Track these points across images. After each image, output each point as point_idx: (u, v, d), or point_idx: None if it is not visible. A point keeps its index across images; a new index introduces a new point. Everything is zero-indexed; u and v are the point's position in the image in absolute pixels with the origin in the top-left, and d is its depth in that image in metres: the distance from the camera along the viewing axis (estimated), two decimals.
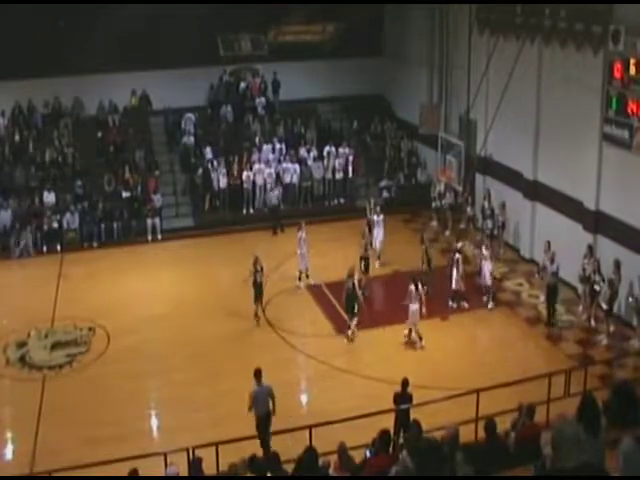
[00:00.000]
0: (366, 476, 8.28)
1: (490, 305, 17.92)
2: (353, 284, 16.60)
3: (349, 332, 16.59)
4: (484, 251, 18.09)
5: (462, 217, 22.88)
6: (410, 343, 16.19)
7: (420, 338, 16.09)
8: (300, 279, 19.24)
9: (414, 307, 16.01)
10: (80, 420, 13.66)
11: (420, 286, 16.26)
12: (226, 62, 27.29)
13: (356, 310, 16.53)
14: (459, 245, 18.74)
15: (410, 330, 16.21)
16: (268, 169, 24.36)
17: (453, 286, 17.90)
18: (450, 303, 17.91)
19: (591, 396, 5.09)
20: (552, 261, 17.30)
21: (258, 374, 12.46)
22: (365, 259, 18.88)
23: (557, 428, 4.96)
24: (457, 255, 18.05)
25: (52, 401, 14.42)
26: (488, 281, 17.86)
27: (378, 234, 20.38)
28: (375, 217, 20.57)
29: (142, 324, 17.48)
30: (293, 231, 20.14)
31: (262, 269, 17.42)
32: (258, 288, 17.33)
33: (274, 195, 23.59)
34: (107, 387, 14.88)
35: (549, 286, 17.10)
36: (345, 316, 16.79)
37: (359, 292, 16.78)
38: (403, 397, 12.27)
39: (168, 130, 26.42)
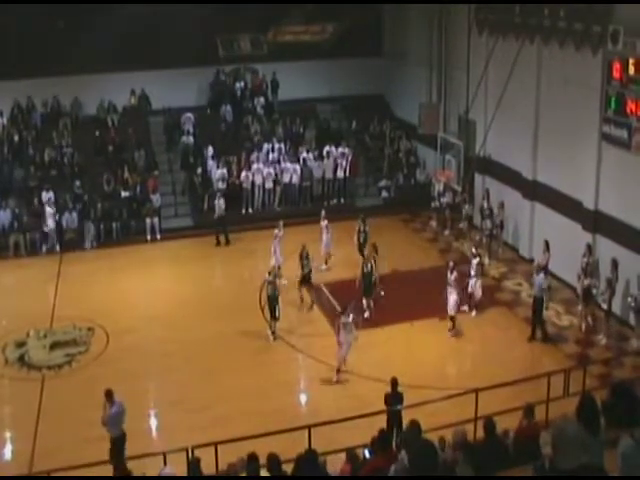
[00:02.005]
0: (366, 476, 8.26)
1: (474, 313, 17.39)
2: (371, 266, 17.24)
3: (366, 314, 16.97)
4: (474, 265, 17.36)
5: (461, 217, 22.91)
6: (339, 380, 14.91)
7: (339, 371, 14.90)
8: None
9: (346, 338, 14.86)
10: (79, 420, 13.64)
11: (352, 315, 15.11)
12: (225, 62, 27.31)
13: (371, 292, 17.23)
14: (474, 250, 17.93)
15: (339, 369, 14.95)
16: (267, 169, 24.36)
17: (469, 291, 17.33)
18: (466, 309, 17.35)
19: (590, 396, 5.09)
20: (537, 272, 16.54)
21: (109, 395, 11.90)
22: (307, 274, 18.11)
23: (557, 428, 4.94)
24: (474, 260, 17.47)
25: (51, 401, 14.40)
26: (477, 294, 17.33)
27: (325, 240, 20.08)
28: (322, 223, 20.14)
29: (141, 324, 17.48)
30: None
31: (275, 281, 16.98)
32: (274, 301, 16.67)
33: (220, 204, 22.44)
34: (106, 387, 14.83)
35: (536, 299, 16.36)
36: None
37: (376, 274, 17.36)
38: (394, 397, 12.22)
39: (167, 130, 26.41)
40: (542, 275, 16.51)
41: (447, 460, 7.04)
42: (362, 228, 19.62)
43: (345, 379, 14.88)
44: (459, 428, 7.49)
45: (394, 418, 11.97)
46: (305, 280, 18.13)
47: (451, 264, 16.81)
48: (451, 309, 16.48)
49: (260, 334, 16.92)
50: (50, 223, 21.90)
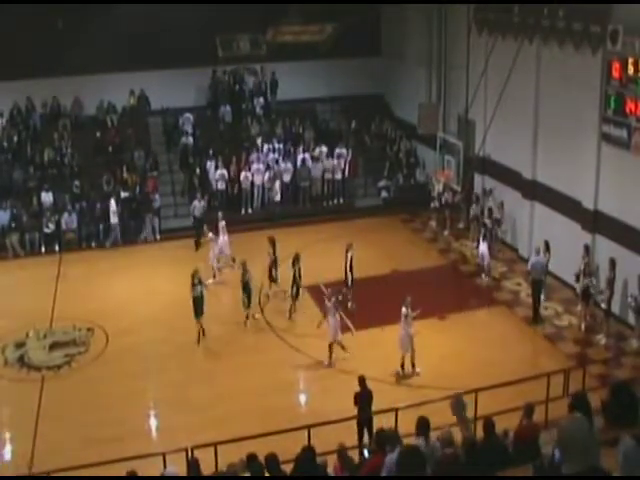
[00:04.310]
0: (366, 476, 8.26)
1: (486, 278, 19.30)
2: (351, 258, 17.83)
3: (350, 304, 17.60)
4: (482, 233, 19.40)
5: (461, 217, 22.92)
6: None
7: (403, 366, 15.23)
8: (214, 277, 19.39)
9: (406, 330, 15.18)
10: (79, 420, 13.66)
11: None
12: (225, 62, 27.30)
13: (350, 282, 17.96)
14: (484, 220, 19.78)
15: None
16: (267, 169, 24.33)
17: (478, 260, 19.52)
18: (484, 277, 19.33)
19: (583, 393, 5.09)
20: (537, 252, 17.51)
21: None
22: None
23: (564, 427, 4.90)
24: (482, 229, 19.33)
25: (51, 401, 14.41)
26: (484, 260, 19.29)
27: (221, 243, 20.16)
28: (220, 225, 20.35)
29: (141, 324, 17.47)
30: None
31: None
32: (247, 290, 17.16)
33: (199, 207, 22.40)
34: (106, 387, 14.87)
35: (533, 281, 17.29)
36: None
37: (352, 264, 17.88)
38: (363, 395, 12.09)
39: (166, 130, 26.41)
40: (535, 258, 17.32)
41: (442, 458, 7.04)
42: (271, 252, 18.50)
43: (346, 379, 14.88)
44: (445, 429, 7.56)
45: (365, 418, 11.84)
46: (198, 308, 16.56)
47: (329, 291, 15.91)
48: (331, 336, 15.59)
49: (260, 335, 16.93)
50: (113, 219, 22.34)
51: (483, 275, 19.47)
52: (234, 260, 19.55)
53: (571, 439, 4.67)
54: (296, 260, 17.60)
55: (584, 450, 4.56)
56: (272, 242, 18.57)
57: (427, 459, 5.69)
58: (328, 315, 15.67)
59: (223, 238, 20.29)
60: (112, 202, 22.43)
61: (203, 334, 16.63)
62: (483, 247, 19.27)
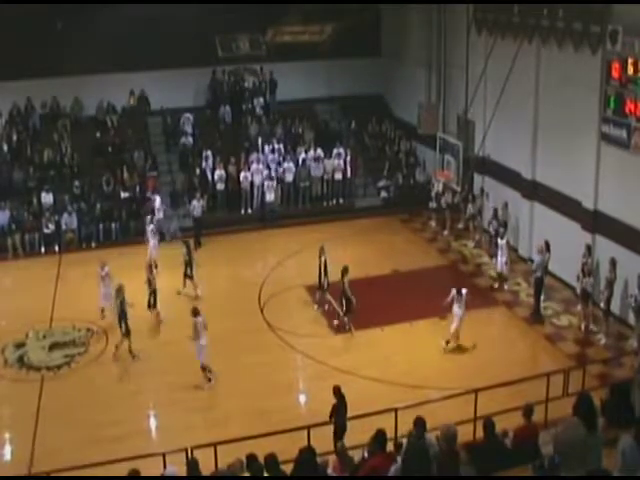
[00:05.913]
0: (366, 476, 8.26)
1: (506, 286, 18.99)
2: (325, 261, 17.90)
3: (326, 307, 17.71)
4: (503, 246, 18.89)
5: (460, 217, 22.92)
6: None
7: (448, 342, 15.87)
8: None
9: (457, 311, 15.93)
10: (78, 421, 13.65)
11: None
12: (224, 62, 27.32)
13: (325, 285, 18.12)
14: (501, 230, 19.60)
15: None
16: (266, 170, 24.34)
17: (498, 269, 19.07)
18: (496, 285, 19.08)
19: (587, 393, 5.09)
20: (539, 252, 17.59)
21: None
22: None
23: (561, 434, 4.91)
24: (501, 241, 18.85)
25: (50, 402, 14.40)
26: (499, 268, 19.07)
27: (154, 245, 20.37)
28: (150, 227, 20.76)
29: (140, 325, 17.42)
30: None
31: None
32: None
33: (198, 206, 22.39)
34: (105, 388, 14.88)
35: (536, 279, 17.37)
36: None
37: (329, 267, 17.89)
38: (339, 406, 11.95)
39: (166, 130, 26.41)
40: (538, 257, 17.44)
41: (439, 453, 7.05)
42: (184, 252, 18.74)
43: (348, 378, 14.88)
44: (447, 424, 7.55)
45: (341, 428, 11.73)
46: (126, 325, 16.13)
47: (198, 319, 15.19)
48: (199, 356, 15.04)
49: (259, 335, 16.92)
50: (159, 214, 22.46)
51: (505, 285, 19.06)
52: (156, 266, 18.99)
53: (568, 446, 4.68)
54: (344, 272, 16.75)
55: (581, 456, 4.57)
56: (187, 245, 19.00)
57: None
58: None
59: (153, 242, 20.37)
60: (157, 198, 22.66)
61: (116, 349, 16.00)
62: (502, 260, 18.81)
